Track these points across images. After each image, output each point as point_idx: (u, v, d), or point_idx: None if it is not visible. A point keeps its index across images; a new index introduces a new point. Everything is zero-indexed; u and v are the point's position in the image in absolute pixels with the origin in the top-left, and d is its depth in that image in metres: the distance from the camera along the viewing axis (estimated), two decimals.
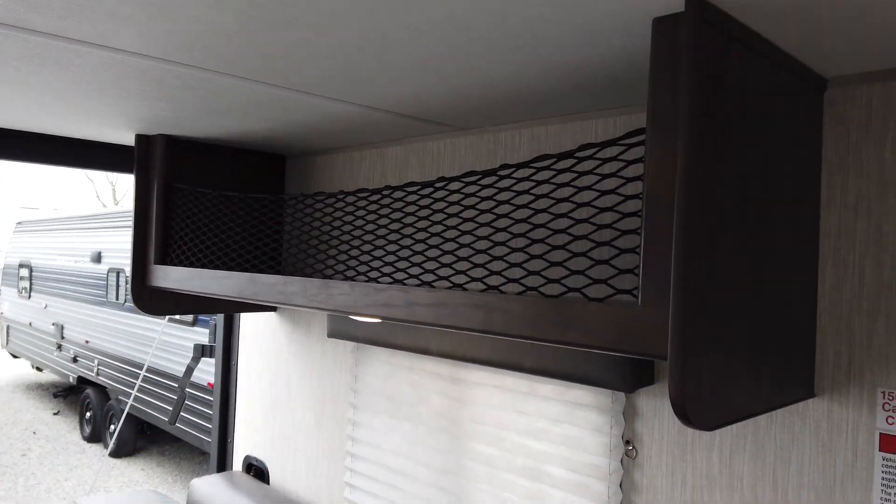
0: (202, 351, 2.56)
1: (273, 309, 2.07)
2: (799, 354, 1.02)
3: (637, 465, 1.26)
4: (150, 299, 1.73)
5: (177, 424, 6.13)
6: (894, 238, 0.99)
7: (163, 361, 6.35)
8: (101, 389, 7.60)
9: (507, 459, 1.44)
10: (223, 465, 2.28)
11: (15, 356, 9.90)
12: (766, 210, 0.91)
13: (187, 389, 5.88)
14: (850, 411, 1.02)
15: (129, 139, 1.84)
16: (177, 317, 6.26)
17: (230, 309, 1.91)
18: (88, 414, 7.71)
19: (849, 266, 1.03)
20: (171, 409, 5.75)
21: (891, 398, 0.99)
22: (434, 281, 1.15)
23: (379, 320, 1.52)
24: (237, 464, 2.21)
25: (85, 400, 7.78)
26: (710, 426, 0.81)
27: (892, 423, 0.99)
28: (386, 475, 1.69)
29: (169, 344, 6.28)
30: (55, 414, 8.59)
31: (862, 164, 1.02)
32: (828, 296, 1.05)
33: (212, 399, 2.20)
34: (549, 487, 1.37)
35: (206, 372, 5.12)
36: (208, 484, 1.99)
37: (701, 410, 0.79)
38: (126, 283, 7.20)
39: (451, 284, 1.14)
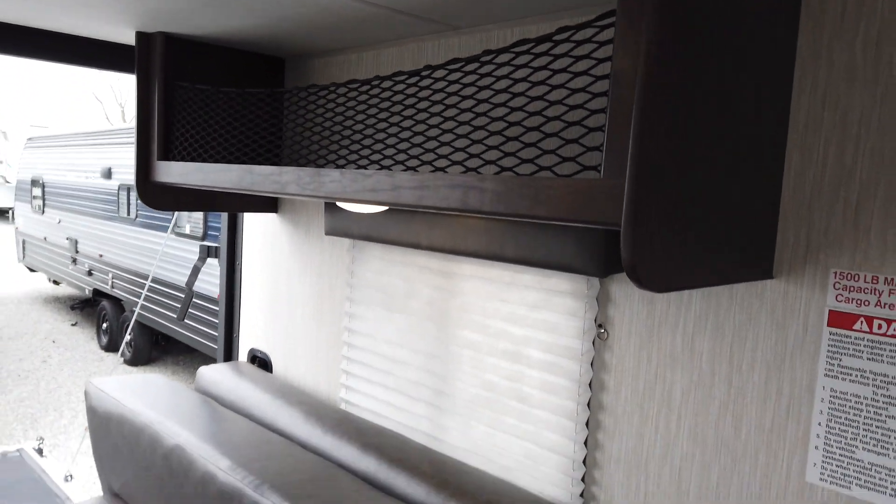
0: (208, 252, 2.66)
1: (274, 210, 2.15)
2: (759, 237, 1.08)
3: (608, 347, 1.35)
4: (153, 194, 1.81)
5: (188, 334, 6.35)
6: (858, 128, 1.03)
7: (174, 275, 6.52)
8: (117, 301, 7.84)
9: (490, 344, 1.54)
10: (229, 357, 2.41)
11: (32, 270, 10.15)
12: (734, 97, 0.95)
13: (198, 301, 6.06)
14: (804, 291, 1.09)
15: (129, 38, 1.87)
16: (187, 231, 6.38)
17: (231, 206, 1.98)
18: (105, 325, 7.98)
19: (814, 154, 1.07)
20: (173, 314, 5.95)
21: (842, 277, 1.06)
22: (419, 166, 1.20)
23: (369, 209, 1.59)
24: (243, 356, 2.35)
25: (101, 311, 8.04)
26: (660, 288, 0.88)
27: (841, 301, 1.06)
28: (380, 362, 1.80)
29: (180, 258, 6.44)
30: (73, 325, 8.89)
31: (833, 58, 1.05)
32: (792, 183, 1.10)
33: None
34: (527, 368, 1.47)
35: (215, 284, 5.26)
36: (215, 371, 2.12)
37: (651, 273, 0.86)
38: (137, 199, 7.29)
39: (434, 168, 1.20)
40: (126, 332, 6.98)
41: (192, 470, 1.53)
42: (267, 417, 1.86)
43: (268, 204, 2.12)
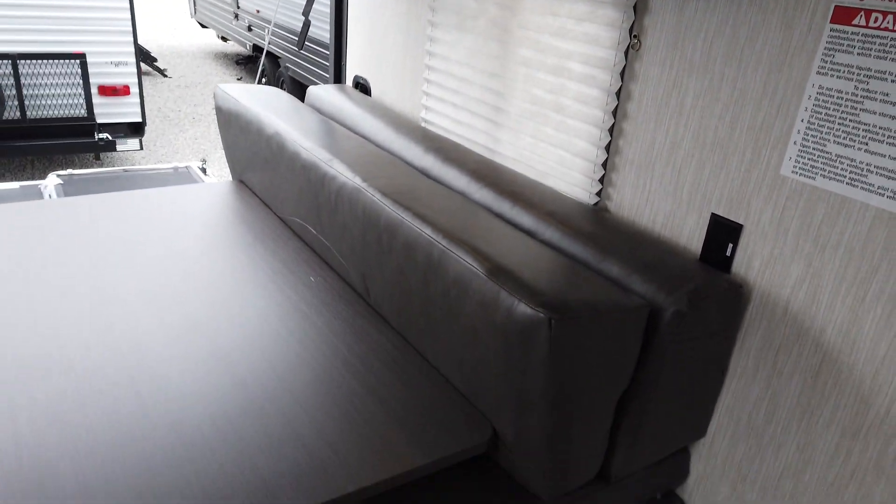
0: None
1: None
2: None
3: (638, 57, 1.42)
4: None
5: (307, 75, 6.78)
6: None
7: (317, 30, 6.82)
8: (274, 58, 8.41)
9: (540, 60, 1.64)
10: (338, 82, 2.69)
11: (203, 26, 10.95)
12: None
13: (317, 47, 6.37)
14: None
15: None
16: None
17: None
18: (264, 80, 8.66)
19: None
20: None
21: None
22: None
23: None
24: (349, 82, 2.61)
25: (260, 67, 8.69)
26: None
27: None
28: (452, 83, 1.97)
29: (324, 13, 6.68)
30: (238, 79, 9.71)
31: None
32: None
33: None
34: (568, 80, 1.58)
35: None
36: (320, 89, 2.40)
37: None
38: None
39: None
40: (281, 87, 7.58)
41: (285, 150, 1.86)
42: (354, 124, 2.14)
43: None
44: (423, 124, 2.15)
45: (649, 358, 1.21)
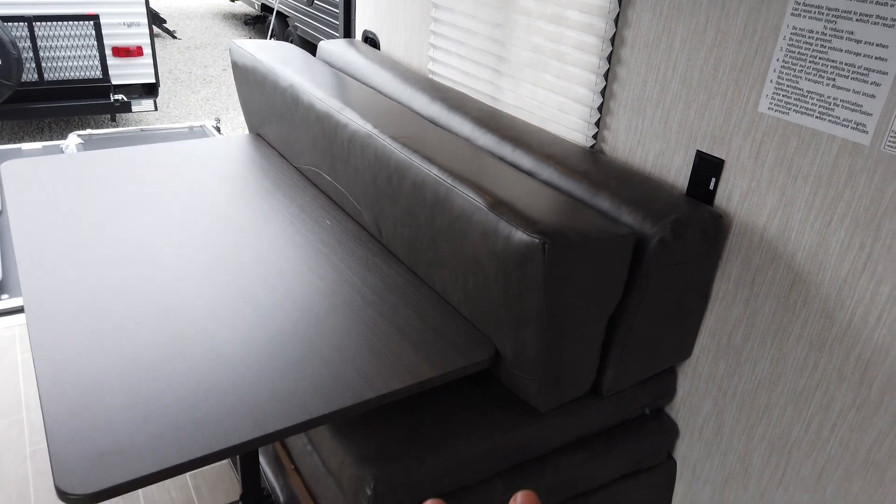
0: None
1: None
2: None
3: (631, 4, 1.50)
4: None
5: (315, 34, 6.79)
6: None
7: None
8: (283, 17, 8.41)
9: (540, 9, 1.73)
10: (347, 37, 2.77)
11: None
12: None
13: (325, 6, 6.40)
14: None
15: None
16: None
17: None
18: (272, 39, 8.69)
19: None
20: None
21: None
22: None
23: None
24: (358, 36, 2.69)
25: (269, 26, 8.69)
26: None
27: None
28: (457, 34, 2.06)
29: None
30: (248, 38, 9.73)
31: None
32: None
33: None
34: (566, 29, 1.67)
35: None
36: (331, 44, 2.49)
37: None
38: None
39: None
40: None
41: (300, 102, 1.97)
42: (364, 77, 2.23)
43: None
44: (429, 76, 2.24)
45: (636, 283, 1.33)
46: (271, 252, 1.67)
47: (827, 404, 1.29)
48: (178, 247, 1.65)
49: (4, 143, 4.45)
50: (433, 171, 1.45)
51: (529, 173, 1.58)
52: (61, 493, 0.98)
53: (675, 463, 1.66)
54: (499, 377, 1.44)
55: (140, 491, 1.91)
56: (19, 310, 2.70)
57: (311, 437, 1.43)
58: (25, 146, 4.11)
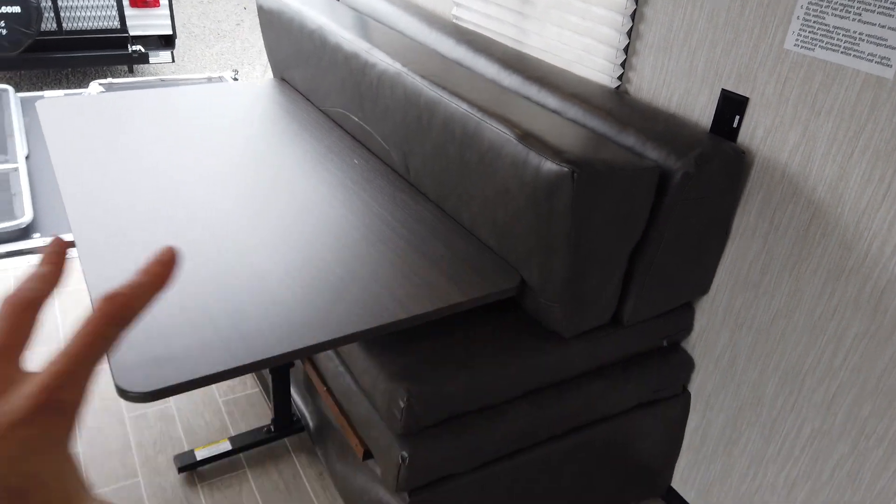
0: None
1: None
2: None
3: None
4: None
5: None
6: None
7: None
8: None
9: None
10: None
11: None
12: None
13: None
14: None
15: None
16: None
17: None
18: None
19: None
20: None
21: None
22: None
23: None
24: None
25: None
26: None
27: None
28: None
29: None
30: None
31: None
32: None
33: None
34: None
35: None
36: None
37: None
38: None
39: None
40: None
41: (327, 43, 2.00)
42: (388, 22, 2.26)
43: None
44: (454, 21, 2.26)
45: (660, 215, 1.38)
46: (302, 186, 1.72)
47: (841, 333, 1.35)
48: (215, 179, 1.71)
49: (26, 92, 4.49)
50: (463, 107, 1.49)
51: (555, 112, 1.61)
52: (121, 392, 1.05)
53: (689, 395, 1.73)
54: (524, 306, 1.50)
55: (177, 415, 2.01)
56: (14, 254, 2.78)
57: (344, 358, 1.51)
58: (48, 93, 4.15)
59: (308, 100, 2.29)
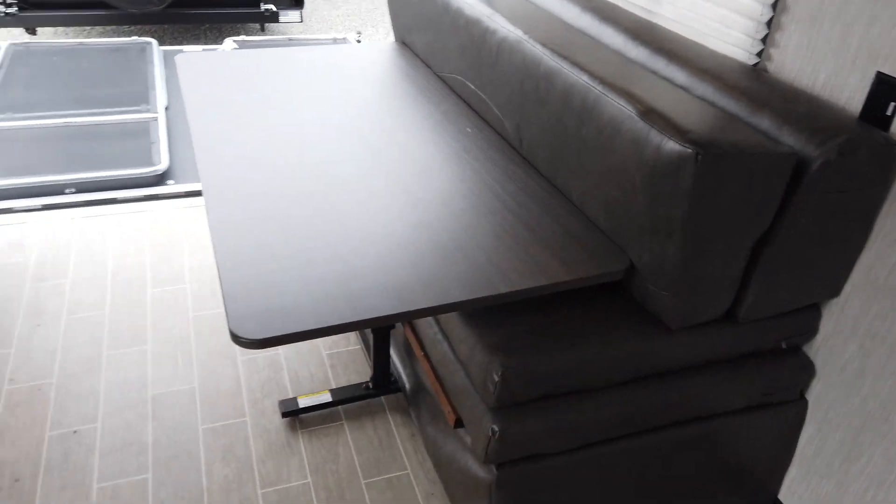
0: None
1: None
2: None
3: None
4: None
5: None
6: None
7: None
8: None
9: None
10: None
11: None
12: None
13: None
14: None
15: None
16: None
17: None
18: None
19: None
20: None
21: None
22: None
23: None
24: None
25: None
26: None
27: None
28: None
29: None
30: None
31: None
32: None
33: None
34: None
35: None
36: None
37: None
38: None
39: None
40: None
41: (450, 7, 1.98)
42: None
43: None
44: None
45: (792, 207, 1.27)
46: (416, 151, 1.73)
47: None
48: (333, 137, 1.75)
49: (167, 46, 4.79)
50: (583, 78, 1.43)
51: (683, 88, 1.52)
52: (235, 338, 1.11)
53: (806, 403, 1.61)
54: (631, 291, 1.44)
55: (284, 363, 2.11)
56: (185, 194, 2.97)
57: (443, 326, 1.52)
58: (186, 48, 4.41)
59: (427, 65, 2.29)
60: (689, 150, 1.15)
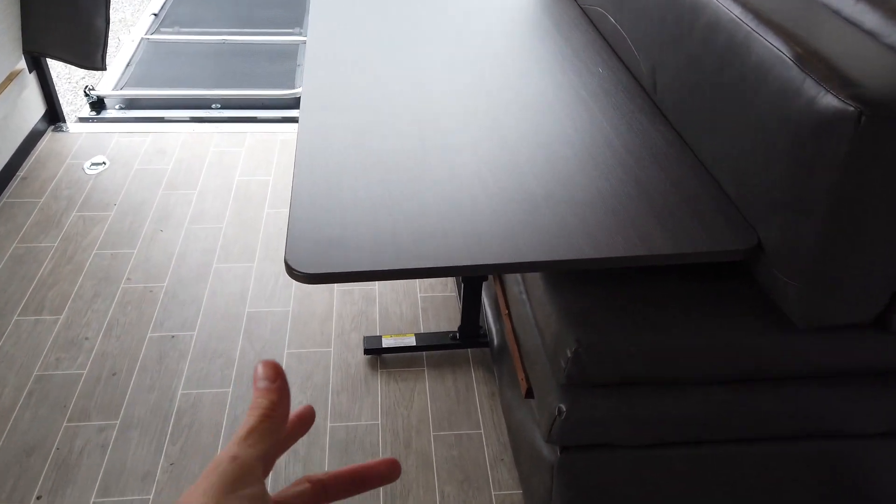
0: None
1: None
2: None
3: None
4: None
5: None
6: None
7: None
8: None
9: None
10: None
11: None
12: None
13: None
14: None
15: None
16: None
17: None
18: None
19: None
20: None
21: None
22: None
23: None
24: None
25: None
26: None
27: None
28: None
29: None
30: None
31: None
32: None
33: None
34: None
35: None
36: None
37: None
38: None
39: None
40: None
41: None
42: None
43: None
44: None
45: None
46: (533, 89, 1.55)
47: None
48: (450, 69, 1.62)
49: None
50: (734, 11, 1.17)
51: (871, 34, 1.20)
52: (288, 268, 1.04)
53: None
54: (755, 274, 1.20)
55: (378, 299, 2.07)
56: (286, 120, 3.00)
57: (527, 286, 1.37)
58: None
59: None
60: (851, 108, 0.89)
